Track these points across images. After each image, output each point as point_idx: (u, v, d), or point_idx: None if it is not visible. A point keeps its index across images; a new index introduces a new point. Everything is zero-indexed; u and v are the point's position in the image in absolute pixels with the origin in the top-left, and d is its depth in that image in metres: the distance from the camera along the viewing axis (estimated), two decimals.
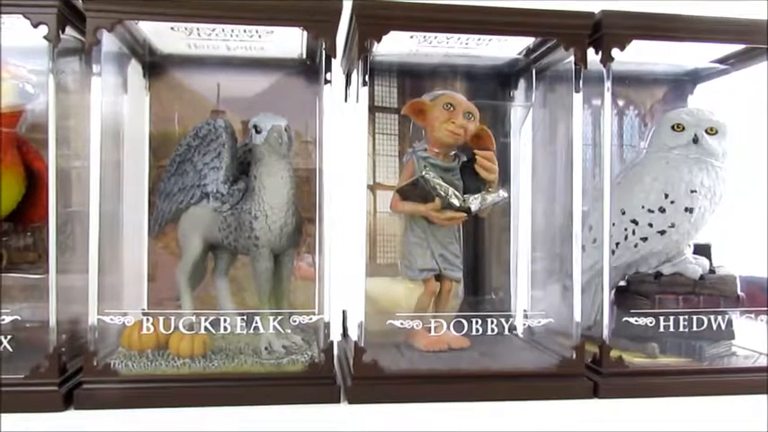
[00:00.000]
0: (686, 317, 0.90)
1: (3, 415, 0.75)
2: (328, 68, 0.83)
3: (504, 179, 0.97)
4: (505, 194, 0.92)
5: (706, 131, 0.94)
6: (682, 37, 0.90)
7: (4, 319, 0.80)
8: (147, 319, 0.83)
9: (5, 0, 0.76)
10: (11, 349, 0.80)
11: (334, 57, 0.82)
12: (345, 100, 1.02)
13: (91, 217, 0.80)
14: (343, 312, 1.01)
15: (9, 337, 0.80)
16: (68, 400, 0.78)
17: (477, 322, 0.87)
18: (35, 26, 0.77)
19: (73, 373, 0.82)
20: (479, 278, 1.09)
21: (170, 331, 0.83)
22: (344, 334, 1.02)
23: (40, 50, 0.81)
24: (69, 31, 0.81)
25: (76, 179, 0.90)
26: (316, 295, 0.91)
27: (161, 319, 0.83)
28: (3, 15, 0.78)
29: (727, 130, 0.95)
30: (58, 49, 0.79)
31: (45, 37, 0.77)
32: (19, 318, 0.81)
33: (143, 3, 0.80)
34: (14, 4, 0.77)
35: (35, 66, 0.87)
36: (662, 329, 0.89)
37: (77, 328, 0.88)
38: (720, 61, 1.03)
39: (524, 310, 1.05)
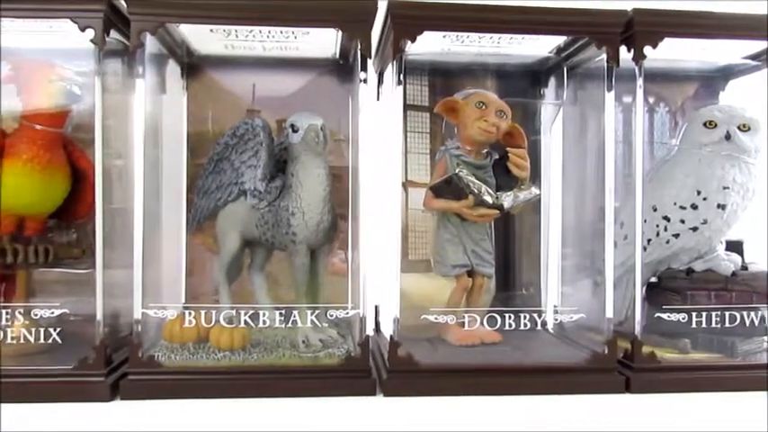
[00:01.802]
0: (718, 313, 0.90)
1: (52, 404, 0.78)
2: (363, 68, 0.84)
3: (535, 176, 0.98)
4: (538, 191, 0.93)
5: (738, 128, 0.94)
6: (714, 34, 0.90)
7: (53, 312, 0.83)
8: (189, 313, 0.86)
9: (55, 5, 0.79)
10: (60, 341, 0.83)
11: (370, 57, 0.84)
12: (378, 98, 1.03)
13: (135, 214, 0.82)
14: (376, 308, 1.03)
15: (58, 329, 0.83)
16: (114, 390, 0.81)
17: (510, 317, 0.89)
18: (82, 30, 0.79)
19: (117, 364, 0.85)
20: (510, 274, 1.10)
21: (211, 325, 0.85)
22: (377, 329, 1.04)
23: (81, 52, 0.84)
24: (113, 34, 0.84)
25: (117, 177, 0.93)
26: (349, 290, 0.93)
27: (202, 312, 0.85)
28: (51, 19, 0.81)
29: (760, 127, 0.95)
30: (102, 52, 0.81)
31: (92, 40, 0.80)
32: (67, 311, 0.84)
33: (186, 6, 0.82)
34: (63, 9, 0.79)
35: (77, 67, 0.90)
36: (694, 325, 0.89)
37: (118, 321, 0.91)
38: (752, 57, 1.02)
39: (554, 306, 1.06)
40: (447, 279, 0.96)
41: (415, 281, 1.01)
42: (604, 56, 0.87)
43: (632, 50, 0.87)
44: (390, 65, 0.87)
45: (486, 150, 0.96)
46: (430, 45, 0.93)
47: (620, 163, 0.98)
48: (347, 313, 0.86)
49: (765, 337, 0.93)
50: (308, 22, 0.84)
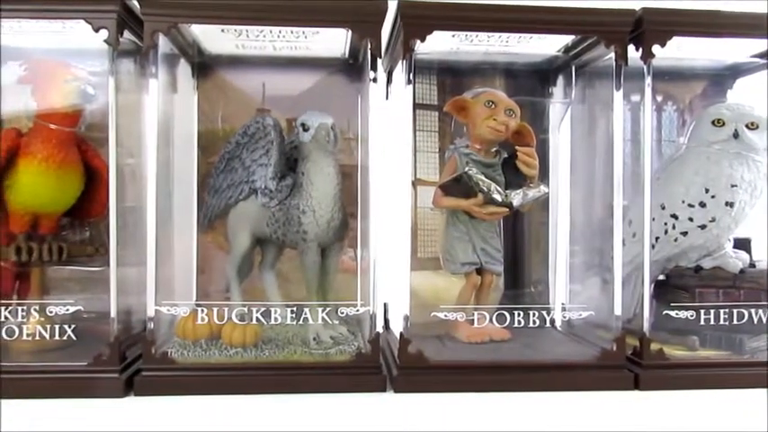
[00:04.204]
0: (726, 310, 0.90)
1: (67, 400, 0.79)
2: (374, 68, 0.85)
3: (544, 174, 0.99)
4: (546, 189, 0.93)
5: (746, 126, 0.95)
6: (722, 33, 0.90)
7: (68, 310, 0.84)
8: (202, 310, 0.87)
9: (69, 6, 0.80)
10: (74, 338, 0.84)
11: (380, 56, 0.85)
12: (387, 98, 1.04)
13: (148, 212, 0.83)
14: (385, 305, 1.04)
15: (73, 326, 0.84)
16: (128, 386, 0.82)
17: (519, 315, 0.90)
18: (96, 30, 0.80)
19: (131, 361, 0.86)
20: (519, 272, 1.11)
21: (223, 322, 0.86)
22: (386, 326, 1.04)
23: (92, 52, 0.86)
24: (126, 34, 0.85)
25: (129, 176, 0.94)
26: (358, 287, 0.94)
27: (215, 309, 0.86)
28: (65, 20, 0.82)
29: None
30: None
31: (105, 41, 0.81)
32: (81, 308, 0.85)
33: (198, 7, 0.83)
34: (77, 9, 0.80)
35: (89, 67, 0.90)
36: (702, 323, 0.90)
37: (130, 318, 0.92)
38: (760, 56, 1.03)
39: (563, 304, 1.06)
40: (456, 277, 0.97)
41: (424, 278, 1.01)
42: (613, 54, 0.87)
43: (641, 49, 0.88)
44: (400, 64, 0.88)
45: (495, 149, 0.96)
46: (439, 44, 0.94)
47: (629, 161, 0.98)
48: (357, 310, 0.87)
49: None
50: (318, 22, 0.85)
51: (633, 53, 0.88)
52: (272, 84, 1.06)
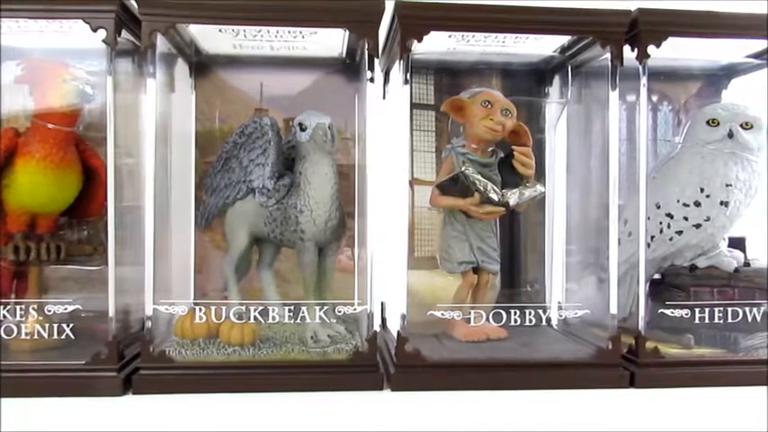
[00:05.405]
0: (721, 309, 0.91)
1: (65, 399, 0.79)
2: (371, 67, 0.85)
3: (540, 174, 0.99)
4: (543, 189, 0.94)
5: (741, 126, 0.95)
6: (718, 33, 0.91)
7: (66, 308, 0.84)
8: (200, 309, 0.87)
9: (67, 6, 0.80)
10: (73, 337, 0.85)
11: (377, 57, 0.85)
12: (384, 97, 1.04)
13: (146, 212, 0.84)
14: (382, 304, 1.04)
15: (71, 325, 0.85)
16: (127, 385, 0.82)
17: (515, 313, 0.90)
18: (94, 30, 0.81)
19: (129, 360, 0.86)
20: (516, 271, 1.11)
21: (221, 320, 0.87)
22: (383, 325, 1.05)
23: (90, 51, 0.86)
24: (124, 34, 0.85)
25: (127, 175, 0.94)
26: (356, 286, 0.95)
27: (213, 308, 0.86)
28: (63, 20, 0.82)
29: (763, 125, 0.96)
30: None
31: (104, 40, 0.81)
32: (80, 307, 0.85)
33: (196, 7, 0.83)
34: (75, 9, 0.81)
35: (87, 67, 0.91)
36: (697, 321, 0.90)
37: (128, 317, 0.92)
38: (755, 56, 1.03)
39: (559, 302, 1.07)
40: (453, 275, 0.97)
41: (421, 277, 1.02)
42: (608, 55, 0.88)
43: (636, 49, 0.88)
44: (397, 64, 0.88)
45: (491, 148, 0.97)
46: (436, 44, 0.94)
47: (624, 161, 0.99)
48: (355, 309, 0.87)
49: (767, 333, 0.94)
50: (316, 22, 0.85)
51: (629, 53, 0.89)
52: (270, 83, 1.06)
